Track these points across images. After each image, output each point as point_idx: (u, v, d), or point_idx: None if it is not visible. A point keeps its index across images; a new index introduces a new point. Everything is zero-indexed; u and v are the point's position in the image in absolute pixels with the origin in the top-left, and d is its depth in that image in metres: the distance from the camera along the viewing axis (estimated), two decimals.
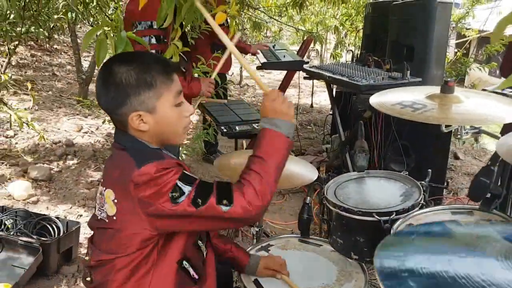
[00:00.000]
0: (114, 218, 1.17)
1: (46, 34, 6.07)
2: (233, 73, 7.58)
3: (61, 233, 2.47)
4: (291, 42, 9.87)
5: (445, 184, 2.04)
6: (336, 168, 3.46)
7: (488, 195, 1.40)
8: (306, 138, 5.02)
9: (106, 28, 1.15)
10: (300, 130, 5.17)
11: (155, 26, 2.21)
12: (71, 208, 3.15)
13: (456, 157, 4.31)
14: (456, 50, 6.00)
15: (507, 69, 3.00)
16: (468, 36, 5.89)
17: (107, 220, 1.19)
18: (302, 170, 1.95)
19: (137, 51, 1.77)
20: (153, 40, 2.23)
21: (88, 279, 1.25)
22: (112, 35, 1.20)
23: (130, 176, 1.11)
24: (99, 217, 1.22)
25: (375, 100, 1.62)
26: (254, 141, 3.66)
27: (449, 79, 1.44)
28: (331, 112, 3.81)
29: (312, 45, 8.14)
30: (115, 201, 1.17)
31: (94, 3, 3.60)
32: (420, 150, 3.05)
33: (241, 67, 7.74)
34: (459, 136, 1.57)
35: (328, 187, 1.76)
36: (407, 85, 2.81)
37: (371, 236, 1.53)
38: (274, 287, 1.49)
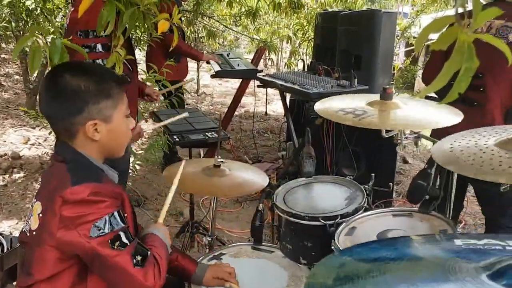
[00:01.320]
0: (34, 233, 1.13)
1: None
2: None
3: (5, 250, 2.36)
4: (247, 51, 9.95)
5: (390, 187, 2.10)
6: (293, 175, 3.51)
7: (426, 197, 1.46)
8: (263, 146, 5.05)
9: (39, 37, 1.12)
10: (257, 137, 5.20)
11: (102, 34, 2.16)
12: (17, 223, 3.01)
13: (405, 161, 4.47)
14: (404, 58, 6.26)
15: (429, 78, 2.99)
16: None
17: (28, 234, 1.16)
18: (253, 177, 1.96)
19: (87, 62, 1.73)
20: (100, 48, 2.15)
21: None
22: (46, 42, 1.16)
23: (61, 191, 1.08)
24: (23, 229, 1.19)
25: (320, 106, 1.66)
26: (211, 150, 3.66)
27: (387, 86, 1.49)
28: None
29: (267, 54, 8.22)
30: (40, 215, 1.13)
31: (38, 11, 3.48)
32: (370, 155, 3.15)
33: (198, 75, 7.70)
34: (399, 141, 1.62)
35: (277, 193, 1.78)
36: (354, 92, 2.90)
37: (318, 241, 1.55)
38: None
